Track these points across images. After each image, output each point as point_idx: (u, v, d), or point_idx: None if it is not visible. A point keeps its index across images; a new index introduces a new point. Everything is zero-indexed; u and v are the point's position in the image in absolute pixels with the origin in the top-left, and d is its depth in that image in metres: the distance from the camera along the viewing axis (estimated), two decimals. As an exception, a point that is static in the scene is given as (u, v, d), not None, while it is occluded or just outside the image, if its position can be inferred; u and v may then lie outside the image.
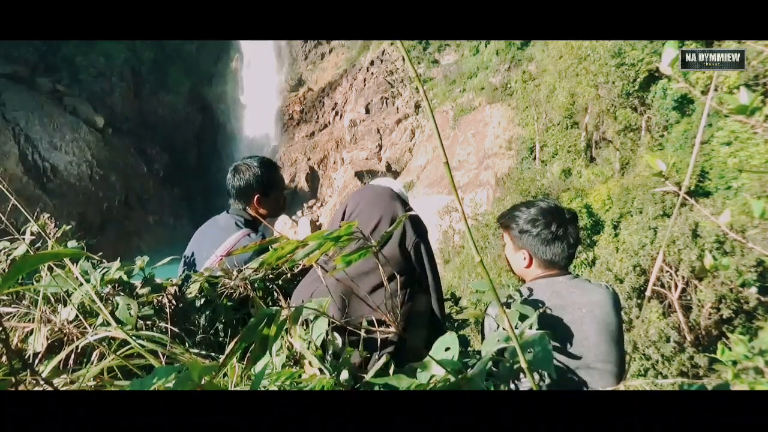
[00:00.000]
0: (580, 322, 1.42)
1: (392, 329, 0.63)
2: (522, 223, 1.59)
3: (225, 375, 0.85)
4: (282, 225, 30.25)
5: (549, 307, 1.43)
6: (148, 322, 1.14)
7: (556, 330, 1.40)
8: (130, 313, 1.05)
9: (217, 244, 1.88)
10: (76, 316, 1.06)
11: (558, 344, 1.38)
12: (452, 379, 0.68)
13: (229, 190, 2.06)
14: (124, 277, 1.19)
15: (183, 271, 1.90)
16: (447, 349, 0.74)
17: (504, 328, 0.94)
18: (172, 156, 36.63)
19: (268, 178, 2.05)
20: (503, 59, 29.17)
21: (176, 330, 1.10)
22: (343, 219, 1.47)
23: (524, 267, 1.60)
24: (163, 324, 1.16)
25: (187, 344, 1.15)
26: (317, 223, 32.38)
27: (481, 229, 18.70)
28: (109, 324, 1.01)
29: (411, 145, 32.74)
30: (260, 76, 39.85)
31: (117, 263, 1.24)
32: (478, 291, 1.78)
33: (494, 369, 0.84)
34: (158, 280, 1.34)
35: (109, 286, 1.18)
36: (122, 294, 1.16)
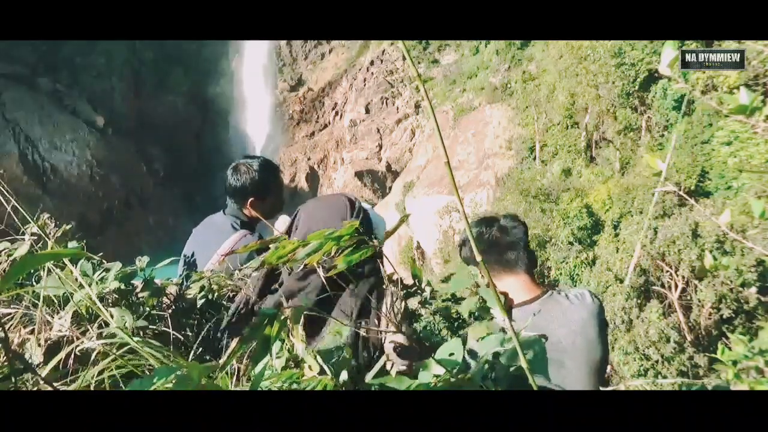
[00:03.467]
0: (561, 359, 1.31)
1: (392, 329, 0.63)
2: (461, 242, 1.60)
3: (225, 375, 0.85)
4: (282, 224, 30.18)
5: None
6: (151, 327, 1.14)
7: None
8: (125, 326, 1.04)
9: (214, 248, 1.86)
10: (76, 317, 1.06)
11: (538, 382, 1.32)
12: (452, 379, 0.68)
13: (226, 187, 2.03)
14: (122, 286, 1.18)
15: (183, 271, 1.89)
16: (451, 354, 0.74)
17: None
18: (172, 156, 36.63)
19: (265, 183, 1.99)
20: (503, 59, 29.15)
21: (177, 335, 1.10)
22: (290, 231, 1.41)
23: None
24: (163, 326, 1.16)
25: (186, 347, 1.15)
26: (317, 223, 32.26)
27: (481, 229, 18.63)
28: (108, 325, 1.01)
29: (411, 145, 32.73)
30: (260, 76, 39.84)
31: (117, 264, 1.23)
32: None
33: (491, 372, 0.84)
34: (158, 281, 1.34)
35: (109, 288, 1.17)
36: (119, 305, 1.15)
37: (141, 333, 1.09)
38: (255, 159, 2.04)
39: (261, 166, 2.00)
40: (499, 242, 1.46)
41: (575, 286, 14.18)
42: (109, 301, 1.16)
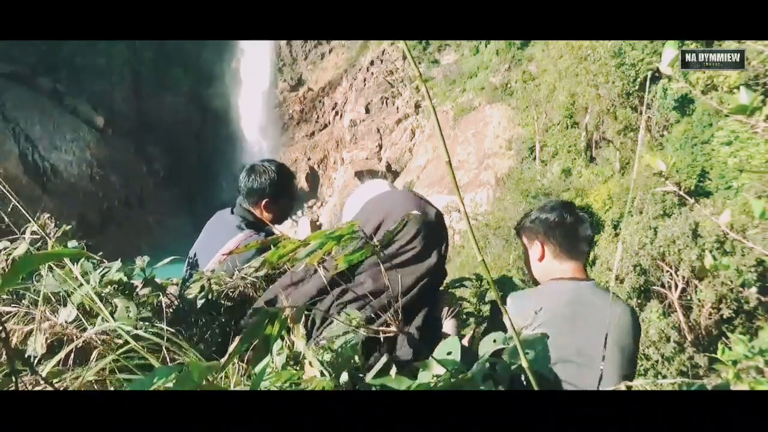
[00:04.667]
0: (599, 339, 1.37)
1: (393, 328, 0.63)
2: (535, 213, 1.64)
3: (225, 375, 0.85)
4: (282, 225, 30.17)
5: (571, 314, 1.42)
6: (147, 324, 1.14)
7: (574, 339, 1.38)
8: (129, 316, 1.05)
9: (218, 246, 1.88)
10: (77, 316, 1.06)
11: (570, 355, 1.36)
12: (452, 379, 0.68)
13: (240, 187, 2.06)
14: (124, 279, 1.19)
15: (187, 271, 1.90)
16: (449, 353, 0.74)
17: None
18: (172, 156, 36.60)
19: (281, 186, 2.05)
20: (503, 59, 29.15)
21: (173, 331, 1.10)
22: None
23: (537, 260, 1.59)
24: (163, 325, 1.15)
25: (186, 345, 1.15)
26: (317, 223, 32.39)
27: (482, 229, 18.69)
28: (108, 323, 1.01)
29: (411, 145, 32.74)
30: (260, 75, 39.81)
31: (117, 263, 1.24)
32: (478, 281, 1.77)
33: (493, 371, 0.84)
34: (158, 280, 1.34)
35: (110, 286, 1.18)
36: (121, 296, 1.16)
37: (144, 327, 1.08)
38: (272, 162, 2.11)
39: (279, 169, 2.07)
40: (576, 231, 1.57)
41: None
42: (110, 299, 1.16)
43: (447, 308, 1.39)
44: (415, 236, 1.25)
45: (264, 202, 2.03)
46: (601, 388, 1.33)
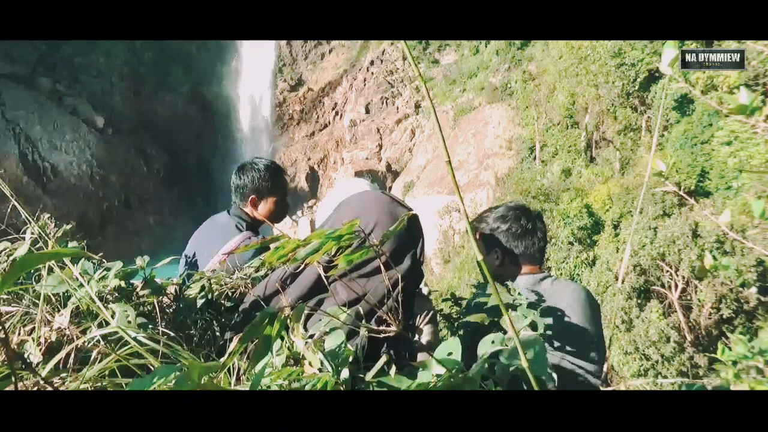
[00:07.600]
0: (562, 318, 1.45)
1: (393, 328, 0.63)
2: (491, 222, 1.64)
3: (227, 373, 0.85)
4: (282, 225, 30.20)
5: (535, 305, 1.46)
6: (150, 326, 1.14)
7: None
8: (128, 321, 1.05)
9: (217, 247, 1.87)
10: (76, 316, 1.06)
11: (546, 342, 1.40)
12: (453, 378, 0.68)
13: (231, 186, 2.09)
14: (122, 284, 1.19)
15: (183, 271, 1.89)
16: (450, 354, 0.74)
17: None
18: (172, 156, 36.61)
19: (266, 181, 2.05)
20: (503, 59, 29.15)
21: (172, 334, 1.10)
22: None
23: (496, 266, 1.62)
24: (162, 326, 1.15)
25: (185, 346, 1.15)
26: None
27: (481, 229, 18.62)
28: (108, 324, 1.01)
29: (411, 145, 32.75)
30: (260, 76, 39.83)
31: (118, 263, 1.23)
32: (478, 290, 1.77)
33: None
34: (158, 280, 1.34)
35: (110, 287, 1.17)
36: (121, 300, 1.16)
37: (142, 330, 1.08)
38: (261, 159, 2.11)
39: (265, 165, 2.07)
40: (536, 240, 1.62)
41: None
42: (110, 299, 1.16)
43: (421, 313, 1.34)
44: (383, 241, 1.20)
45: (251, 198, 2.04)
46: (583, 359, 1.40)
